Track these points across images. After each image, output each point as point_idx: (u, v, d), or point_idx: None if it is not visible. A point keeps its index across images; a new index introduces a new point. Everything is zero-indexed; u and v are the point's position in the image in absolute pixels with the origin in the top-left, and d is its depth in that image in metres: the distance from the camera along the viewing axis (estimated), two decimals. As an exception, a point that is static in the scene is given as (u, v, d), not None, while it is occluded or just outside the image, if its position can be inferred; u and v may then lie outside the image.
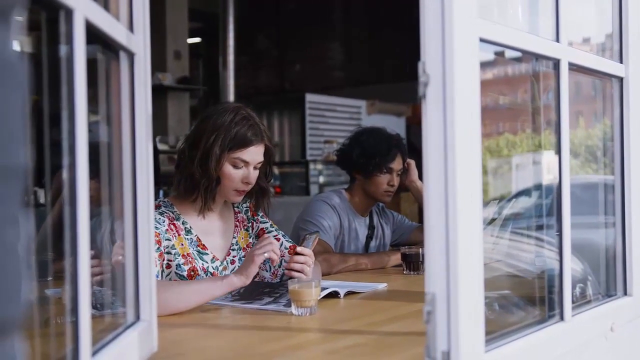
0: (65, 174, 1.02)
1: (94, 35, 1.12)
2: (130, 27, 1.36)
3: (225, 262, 2.30)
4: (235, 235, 2.36)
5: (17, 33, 0.59)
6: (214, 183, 2.19)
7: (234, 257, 2.33)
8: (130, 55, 1.35)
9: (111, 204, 1.42)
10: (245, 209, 2.43)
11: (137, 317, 1.38)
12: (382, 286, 2.36)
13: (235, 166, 2.20)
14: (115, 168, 1.38)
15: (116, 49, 1.31)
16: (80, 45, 1.02)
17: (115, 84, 1.36)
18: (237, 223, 2.39)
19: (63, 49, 1.02)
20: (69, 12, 1.00)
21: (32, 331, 1.05)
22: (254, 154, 2.21)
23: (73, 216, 1.01)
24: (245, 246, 2.37)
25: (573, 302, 1.56)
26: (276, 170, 7.80)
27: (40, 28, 1.04)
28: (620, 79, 1.82)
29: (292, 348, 1.59)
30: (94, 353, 1.11)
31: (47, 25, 1.04)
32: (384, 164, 2.98)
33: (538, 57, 1.56)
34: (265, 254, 1.97)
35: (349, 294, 2.18)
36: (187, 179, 2.21)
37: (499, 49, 1.40)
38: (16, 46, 0.59)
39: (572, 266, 1.57)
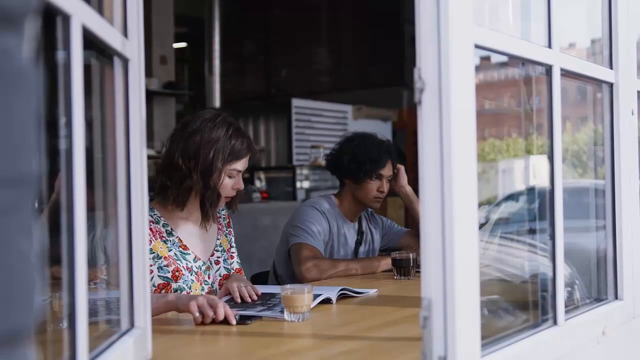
0: (62, 180, 1.01)
1: (89, 40, 1.12)
2: (125, 33, 1.35)
3: (209, 262, 2.36)
4: (218, 237, 2.44)
5: (29, 41, 0.59)
6: (217, 195, 2.27)
7: (218, 257, 2.40)
8: (125, 61, 1.35)
9: (104, 210, 1.41)
10: (223, 216, 2.51)
11: (132, 324, 1.37)
12: (373, 291, 2.36)
13: (230, 176, 2.29)
14: (109, 174, 1.37)
15: (110, 54, 1.31)
16: (77, 50, 1.01)
17: (109, 90, 1.35)
18: (220, 226, 2.47)
19: (60, 54, 1.01)
20: (66, 18, 0.99)
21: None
22: (245, 162, 2.33)
23: (70, 223, 1.01)
24: (227, 249, 2.46)
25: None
26: (262, 175, 7.78)
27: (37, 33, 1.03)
28: (610, 85, 1.84)
29: (286, 354, 1.59)
30: (90, 361, 1.10)
31: (42, 31, 1.04)
32: (375, 170, 2.99)
33: (531, 63, 1.57)
34: (197, 314, 1.82)
35: (342, 297, 2.19)
36: (186, 192, 2.26)
37: (485, 53, 1.41)
38: (28, 54, 0.58)
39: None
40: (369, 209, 3.20)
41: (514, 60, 1.60)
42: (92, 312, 1.39)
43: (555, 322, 1.53)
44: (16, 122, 0.55)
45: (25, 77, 0.57)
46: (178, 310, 1.92)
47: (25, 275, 0.55)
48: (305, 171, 7.69)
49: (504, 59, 1.58)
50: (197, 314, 1.82)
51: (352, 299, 2.23)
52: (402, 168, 3.14)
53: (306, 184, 7.64)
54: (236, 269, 2.48)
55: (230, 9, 9.14)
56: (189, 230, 2.34)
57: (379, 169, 2.99)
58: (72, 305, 1.01)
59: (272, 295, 2.20)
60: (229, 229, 2.52)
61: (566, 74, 1.61)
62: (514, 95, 1.99)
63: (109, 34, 1.21)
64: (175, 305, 1.92)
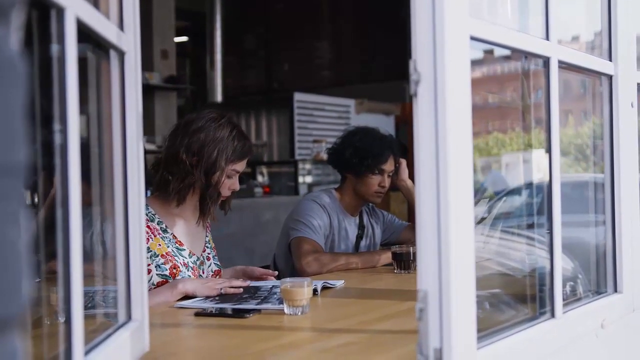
0: (57, 175, 1.01)
1: (84, 34, 1.12)
2: (121, 26, 1.35)
3: (202, 258, 2.41)
4: (207, 234, 2.49)
5: (16, 32, 0.59)
6: (217, 193, 2.31)
7: (208, 254, 2.46)
8: (121, 54, 1.35)
9: (101, 205, 1.41)
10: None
11: (129, 317, 1.38)
12: (340, 283, 2.38)
13: (229, 176, 2.33)
14: (106, 168, 1.37)
15: (106, 47, 1.30)
16: (71, 44, 1.01)
17: (105, 83, 1.35)
18: (208, 224, 2.50)
19: (54, 48, 1.01)
20: (60, 11, 0.99)
21: (24, 331, 1.04)
22: (244, 164, 2.38)
23: (65, 216, 1.01)
24: (213, 247, 2.52)
25: (564, 299, 1.57)
26: (265, 170, 7.79)
27: (31, 26, 1.03)
28: (610, 77, 1.83)
29: (284, 347, 1.59)
30: (86, 353, 1.10)
31: (37, 24, 1.04)
32: (376, 165, 2.98)
33: (528, 55, 1.57)
34: (222, 290, 2.14)
35: (324, 289, 2.24)
36: (187, 188, 2.29)
37: (488, 47, 1.40)
38: (15, 45, 0.58)
39: (562, 264, 1.58)
40: (370, 203, 3.20)
41: (513, 52, 1.60)
42: (92, 305, 1.40)
43: (552, 315, 1.53)
44: (3, 112, 0.55)
45: (13, 68, 0.57)
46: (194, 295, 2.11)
47: (12, 263, 0.55)
48: (307, 166, 7.69)
49: (508, 52, 1.57)
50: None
51: (354, 293, 2.24)
52: (403, 162, 3.13)
53: (308, 179, 7.64)
54: (215, 270, 2.49)
55: (231, 3, 9.14)
56: (181, 227, 2.37)
57: (380, 163, 2.99)
58: (68, 298, 1.01)
59: (258, 288, 2.22)
60: (209, 232, 2.56)
61: (564, 66, 1.61)
62: (517, 89, 1.98)
63: (104, 27, 1.21)
64: (190, 293, 2.11)
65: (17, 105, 0.56)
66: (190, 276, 2.28)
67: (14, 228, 0.56)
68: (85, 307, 1.13)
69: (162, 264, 2.23)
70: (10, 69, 0.56)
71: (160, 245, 2.26)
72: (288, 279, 1.96)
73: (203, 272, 2.39)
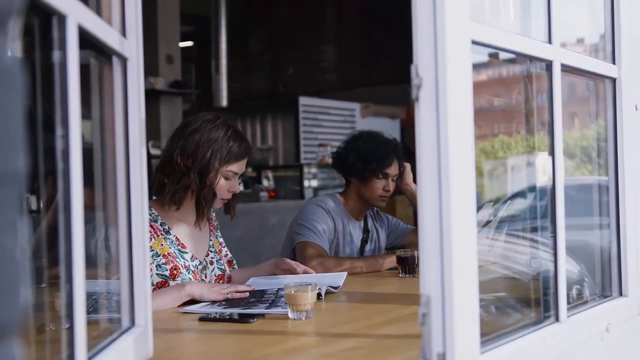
0: (59, 180, 1.01)
1: (87, 40, 1.12)
2: (123, 32, 1.35)
3: (204, 262, 2.40)
4: (211, 238, 2.48)
5: (14, 39, 0.59)
6: (212, 194, 2.30)
7: (212, 258, 2.45)
8: (123, 60, 1.35)
9: (105, 211, 1.42)
10: (213, 218, 2.56)
11: (132, 323, 1.38)
12: (342, 276, 2.41)
13: (226, 178, 2.32)
14: (109, 174, 1.37)
15: (109, 54, 1.31)
16: (73, 50, 1.02)
17: (108, 89, 1.35)
18: (212, 228, 2.51)
19: (56, 55, 1.02)
20: (61, 18, 1.00)
21: (27, 337, 1.05)
22: (243, 166, 2.37)
23: (67, 222, 1.01)
24: (218, 251, 2.50)
25: (569, 303, 1.56)
26: (270, 174, 7.79)
27: (33, 33, 1.04)
28: (613, 80, 1.83)
29: (288, 352, 1.59)
30: (90, 358, 1.10)
31: (39, 30, 1.04)
32: (381, 169, 2.98)
33: (531, 58, 1.57)
34: (228, 295, 2.13)
35: (327, 293, 2.23)
36: (182, 190, 2.28)
37: (493, 50, 1.40)
38: (13, 52, 0.59)
39: (568, 268, 1.57)
40: (375, 207, 3.19)
41: (517, 56, 1.60)
42: (94, 309, 1.40)
43: (557, 319, 1.52)
44: (1, 119, 0.56)
45: (10, 76, 0.57)
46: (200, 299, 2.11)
47: (10, 271, 0.55)
48: (312, 170, 7.68)
49: (513, 55, 1.57)
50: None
51: (358, 297, 2.24)
52: (408, 166, 3.13)
53: (314, 183, 7.64)
54: (229, 261, 2.53)
55: (236, 7, 9.15)
56: (184, 231, 2.37)
57: (384, 167, 2.99)
58: (70, 304, 1.02)
59: (264, 292, 2.22)
60: (217, 231, 2.56)
61: (568, 69, 1.61)
62: (522, 92, 1.98)
63: (106, 34, 1.22)
64: (197, 297, 2.11)
65: (15, 112, 0.56)
66: (190, 279, 2.28)
67: (12, 235, 0.56)
68: (88, 312, 1.13)
69: (163, 263, 2.24)
70: (7, 77, 0.56)
71: (162, 245, 2.27)
72: (292, 283, 1.96)
73: (206, 277, 2.38)
